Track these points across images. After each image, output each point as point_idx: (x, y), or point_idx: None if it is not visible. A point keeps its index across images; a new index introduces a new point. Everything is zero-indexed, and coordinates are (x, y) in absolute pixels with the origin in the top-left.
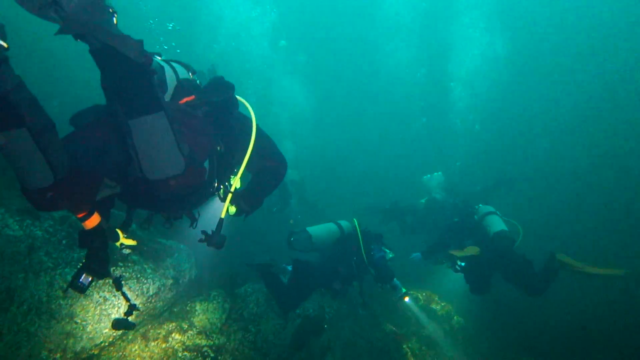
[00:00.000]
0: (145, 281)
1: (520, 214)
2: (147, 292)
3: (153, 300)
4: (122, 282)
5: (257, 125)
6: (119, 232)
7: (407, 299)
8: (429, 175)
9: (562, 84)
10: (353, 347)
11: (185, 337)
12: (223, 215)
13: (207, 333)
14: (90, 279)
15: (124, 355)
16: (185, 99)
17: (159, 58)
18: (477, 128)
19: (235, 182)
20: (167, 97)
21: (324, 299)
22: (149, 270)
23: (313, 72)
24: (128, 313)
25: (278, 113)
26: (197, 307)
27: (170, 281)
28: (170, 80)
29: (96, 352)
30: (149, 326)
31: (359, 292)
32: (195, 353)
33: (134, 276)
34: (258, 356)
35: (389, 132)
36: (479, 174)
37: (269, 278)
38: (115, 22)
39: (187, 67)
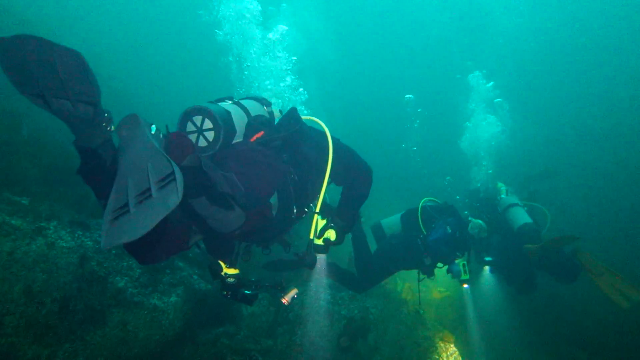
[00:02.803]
0: (192, 286)
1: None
2: (194, 297)
3: (200, 305)
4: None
5: (333, 140)
6: (221, 263)
7: (465, 285)
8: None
9: None
10: (399, 348)
11: (234, 341)
12: (312, 236)
13: (255, 337)
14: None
15: (176, 358)
16: (255, 136)
17: (229, 102)
18: None
19: (319, 203)
20: (239, 137)
21: (368, 300)
22: (195, 277)
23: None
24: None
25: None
26: (244, 311)
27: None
28: (240, 122)
29: None
30: (198, 331)
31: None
32: (243, 357)
33: (182, 282)
34: (305, 358)
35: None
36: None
37: (333, 267)
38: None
39: (262, 102)
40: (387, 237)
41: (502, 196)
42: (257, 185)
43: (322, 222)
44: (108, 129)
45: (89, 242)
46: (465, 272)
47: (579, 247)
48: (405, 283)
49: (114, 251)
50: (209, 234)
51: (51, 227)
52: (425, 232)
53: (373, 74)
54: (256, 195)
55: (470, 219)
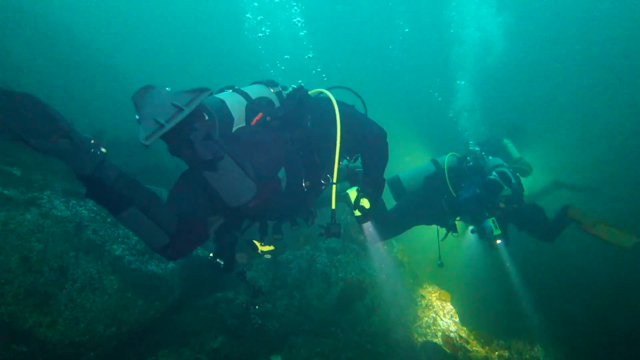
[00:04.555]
0: (193, 253)
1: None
2: (191, 264)
3: (198, 271)
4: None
5: (340, 112)
6: (256, 243)
7: (498, 241)
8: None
9: None
10: (397, 307)
11: (233, 305)
12: (333, 207)
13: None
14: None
15: (176, 324)
16: (255, 119)
17: (229, 91)
18: None
19: (335, 174)
20: (241, 121)
21: (364, 262)
22: None
23: None
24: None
25: None
26: None
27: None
28: (238, 107)
29: (149, 326)
30: (197, 296)
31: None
32: (243, 320)
33: None
34: (304, 320)
35: None
36: None
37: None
38: None
39: (267, 84)
40: (406, 192)
41: (490, 158)
42: (262, 161)
43: (353, 193)
44: (98, 152)
45: (83, 211)
46: (496, 227)
47: (568, 204)
48: (400, 245)
49: (109, 219)
50: (224, 213)
51: (45, 197)
52: (454, 194)
53: None
54: (263, 169)
55: (498, 179)
